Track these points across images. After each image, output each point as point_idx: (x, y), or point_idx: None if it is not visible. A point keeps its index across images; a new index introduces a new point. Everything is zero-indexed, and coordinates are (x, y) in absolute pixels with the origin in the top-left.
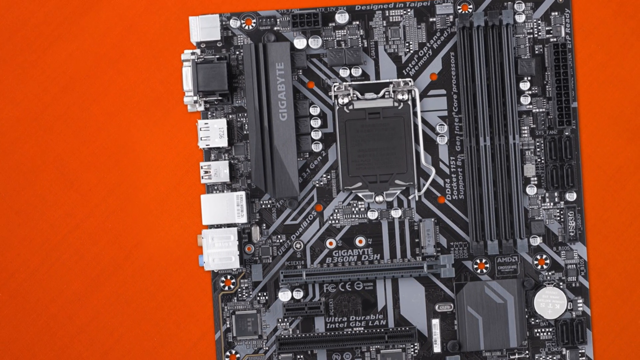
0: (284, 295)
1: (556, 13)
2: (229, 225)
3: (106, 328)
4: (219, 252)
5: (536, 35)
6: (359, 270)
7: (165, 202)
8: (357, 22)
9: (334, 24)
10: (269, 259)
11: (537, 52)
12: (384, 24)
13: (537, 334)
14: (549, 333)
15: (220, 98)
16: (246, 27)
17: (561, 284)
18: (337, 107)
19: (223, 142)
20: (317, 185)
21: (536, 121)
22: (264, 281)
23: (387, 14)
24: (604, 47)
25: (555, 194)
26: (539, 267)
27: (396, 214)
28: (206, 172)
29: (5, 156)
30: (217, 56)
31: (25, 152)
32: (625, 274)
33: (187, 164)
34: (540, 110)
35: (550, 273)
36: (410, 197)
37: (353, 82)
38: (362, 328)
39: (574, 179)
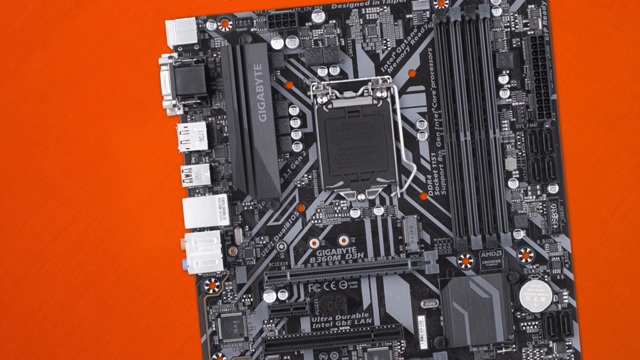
0: (269, 297)
1: (533, 6)
2: (212, 228)
3: (92, 335)
4: (203, 255)
5: (513, 29)
6: (343, 270)
7: (147, 207)
8: (334, 21)
9: (310, 24)
10: (252, 261)
11: (514, 45)
12: (361, 22)
13: (524, 328)
14: (535, 326)
15: (199, 101)
16: (223, 30)
17: (546, 276)
18: (317, 107)
19: (203, 145)
20: (299, 185)
21: (516, 114)
22: (248, 283)
23: (363, 12)
24: (581, 38)
25: (538, 187)
26: (524, 260)
27: (378, 211)
28: (187, 175)
29: None
30: (195, 59)
31: (5, 161)
32: (609, 264)
33: (168, 168)
34: (520, 103)
35: (534, 266)
36: (392, 195)
37: (331, 81)
38: (348, 327)
39: (555, 171)
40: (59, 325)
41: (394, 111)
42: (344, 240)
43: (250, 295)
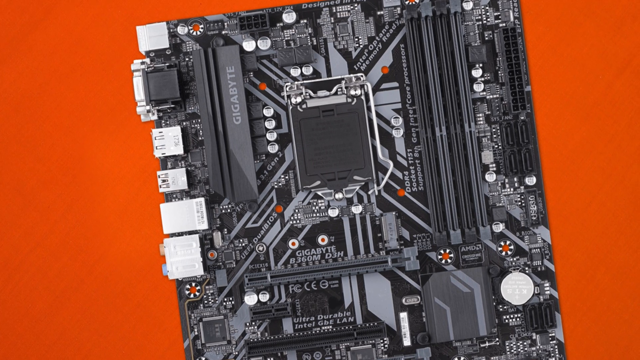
0: (250, 299)
1: None
2: (190, 233)
3: (74, 344)
4: (182, 260)
5: (485, 22)
6: (323, 269)
7: (124, 213)
8: (305, 21)
9: (281, 24)
10: (232, 264)
11: (487, 38)
12: (332, 21)
13: (506, 321)
14: (517, 319)
15: (173, 106)
16: (194, 33)
17: (527, 268)
18: (291, 107)
19: (179, 150)
20: (276, 186)
21: (491, 107)
22: (229, 286)
23: (334, 11)
24: (553, 29)
25: (515, 179)
26: (504, 253)
27: (357, 209)
28: (164, 180)
29: None
30: (167, 64)
31: None
32: (588, 254)
33: (144, 173)
34: (494, 96)
35: (515, 259)
36: (369, 192)
37: (305, 81)
38: (331, 326)
39: (532, 163)
40: (41, 335)
41: (369, 109)
42: (323, 240)
43: (231, 298)
